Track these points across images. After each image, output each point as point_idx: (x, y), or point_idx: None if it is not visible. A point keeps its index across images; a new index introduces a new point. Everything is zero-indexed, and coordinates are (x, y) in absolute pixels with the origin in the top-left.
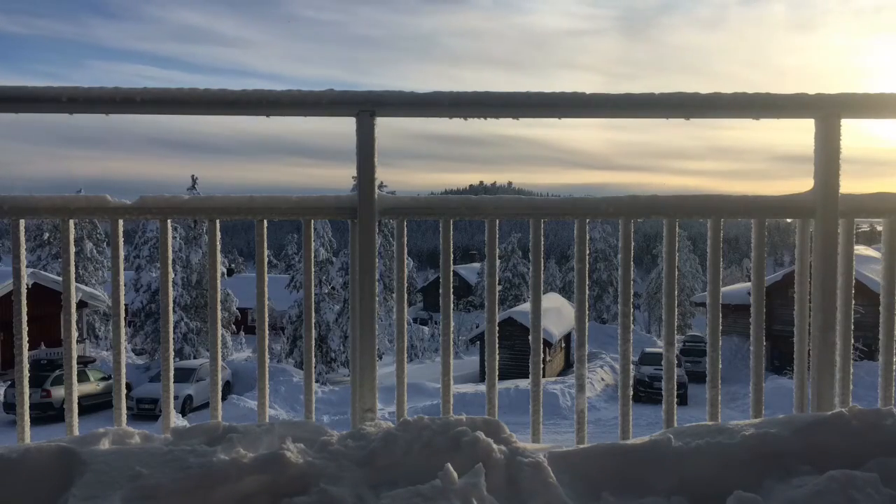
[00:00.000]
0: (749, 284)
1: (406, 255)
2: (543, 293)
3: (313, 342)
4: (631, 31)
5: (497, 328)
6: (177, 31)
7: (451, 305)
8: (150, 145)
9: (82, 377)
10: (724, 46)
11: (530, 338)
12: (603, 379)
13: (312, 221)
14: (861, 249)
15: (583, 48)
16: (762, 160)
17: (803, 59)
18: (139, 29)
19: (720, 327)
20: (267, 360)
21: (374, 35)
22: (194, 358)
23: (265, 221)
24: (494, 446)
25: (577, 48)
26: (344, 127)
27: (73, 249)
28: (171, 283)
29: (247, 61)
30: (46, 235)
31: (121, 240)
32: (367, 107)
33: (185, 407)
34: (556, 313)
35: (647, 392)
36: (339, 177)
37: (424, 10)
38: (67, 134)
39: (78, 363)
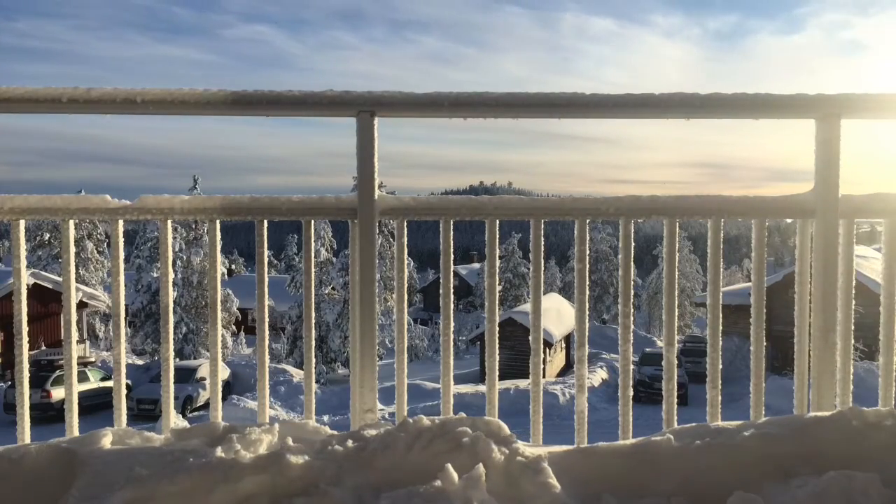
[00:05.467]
0: (749, 285)
1: (406, 256)
2: (544, 293)
3: (313, 342)
4: None
5: (497, 328)
6: None
7: (452, 306)
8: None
9: (82, 377)
10: None
11: (530, 338)
12: (603, 379)
13: (313, 222)
14: (861, 250)
15: None
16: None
17: None
18: None
19: (720, 328)
20: (267, 361)
21: None
22: (194, 358)
23: (265, 222)
24: (494, 447)
25: None
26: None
27: (73, 250)
28: (171, 284)
29: None
30: (47, 236)
31: (121, 240)
32: (367, 107)
33: (186, 407)
34: (557, 314)
35: (647, 392)
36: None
37: None
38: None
39: (78, 365)
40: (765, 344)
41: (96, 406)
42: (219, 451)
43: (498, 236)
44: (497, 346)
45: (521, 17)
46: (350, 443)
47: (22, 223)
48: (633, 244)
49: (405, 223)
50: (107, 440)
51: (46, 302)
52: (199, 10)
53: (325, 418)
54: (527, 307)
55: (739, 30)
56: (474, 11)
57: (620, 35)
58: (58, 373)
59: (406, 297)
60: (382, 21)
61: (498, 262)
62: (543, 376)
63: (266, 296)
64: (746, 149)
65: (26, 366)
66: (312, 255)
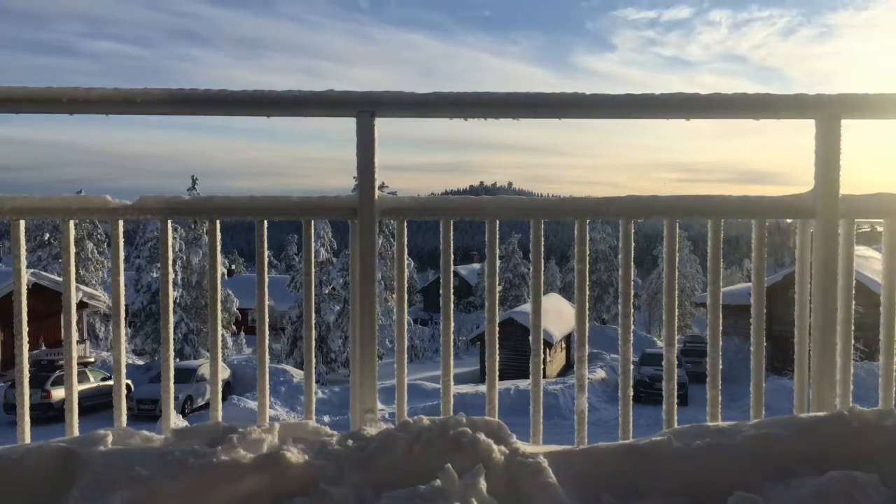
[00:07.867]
0: (749, 285)
1: (406, 256)
2: (544, 294)
3: (314, 342)
4: None
5: (497, 328)
6: None
7: (452, 306)
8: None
9: (82, 377)
10: None
11: (530, 338)
12: (603, 379)
13: (313, 222)
14: (861, 250)
15: None
16: None
17: None
18: None
19: (720, 328)
20: (267, 361)
21: None
22: (194, 358)
23: (265, 222)
24: (494, 447)
25: None
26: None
27: (73, 250)
28: (171, 284)
29: None
30: (47, 236)
31: (121, 240)
32: (367, 107)
33: (186, 407)
34: (557, 314)
35: (647, 392)
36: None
37: None
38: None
39: (78, 365)
40: (765, 344)
41: (96, 406)
42: (219, 451)
43: (498, 236)
44: (497, 346)
45: (335, 33)
46: (350, 443)
47: (22, 223)
48: (633, 244)
49: (405, 223)
50: (107, 440)
51: (46, 302)
52: (40, 29)
53: (326, 418)
54: (527, 307)
55: (557, 45)
56: (300, 32)
57: (456, 53)
58: (58, 373)
59: (406, 297)
60: (223, 41)
61: (498, 262)
62: (543, 376)
63: (266, 296)
64: (708, 152)
65: (26, 366)
66: (312, 255)
